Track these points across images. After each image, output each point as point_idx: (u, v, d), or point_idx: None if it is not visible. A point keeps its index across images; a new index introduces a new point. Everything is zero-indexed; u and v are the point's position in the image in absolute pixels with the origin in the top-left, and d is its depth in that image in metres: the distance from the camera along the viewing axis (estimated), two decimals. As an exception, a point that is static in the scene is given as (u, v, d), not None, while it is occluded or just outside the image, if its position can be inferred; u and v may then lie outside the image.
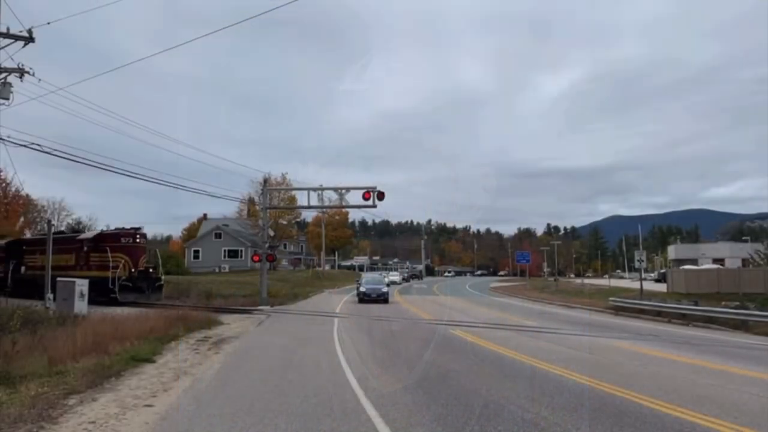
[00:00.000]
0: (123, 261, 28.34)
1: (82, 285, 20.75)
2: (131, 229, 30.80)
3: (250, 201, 51.71)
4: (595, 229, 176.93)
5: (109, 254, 27.98)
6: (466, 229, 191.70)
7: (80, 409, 7.17)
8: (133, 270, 28.57)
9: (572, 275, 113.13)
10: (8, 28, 18.92)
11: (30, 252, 33.84)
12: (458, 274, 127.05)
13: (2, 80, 18.24)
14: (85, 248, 29.55)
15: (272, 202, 39.20)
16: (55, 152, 20.35)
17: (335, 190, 34.96)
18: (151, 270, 29.84)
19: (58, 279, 22.58)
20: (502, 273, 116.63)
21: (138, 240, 30.29)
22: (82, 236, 31.98)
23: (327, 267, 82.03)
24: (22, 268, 33.26)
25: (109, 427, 6.39)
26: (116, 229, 32.68)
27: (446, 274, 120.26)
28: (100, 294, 26.12)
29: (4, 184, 49.75)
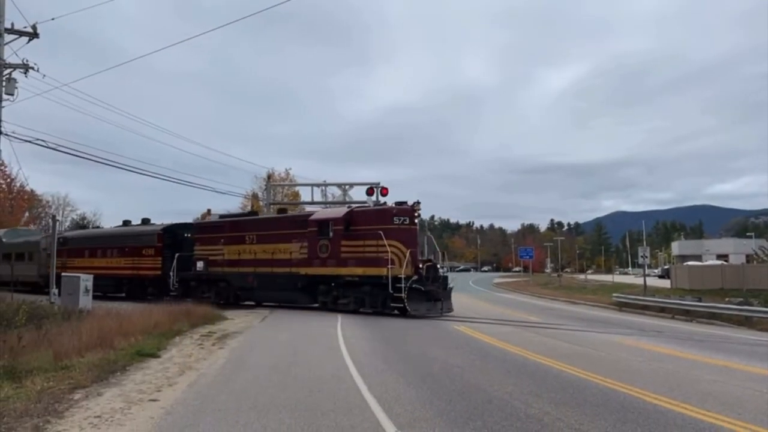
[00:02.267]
0: (399, 252, 20.52)
1: (86, 280, 20.81)
2: (404, 204, 21.92)
3: (254, 196, 51.80)
4: (598, 224, 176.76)
5: (384, 241, 20.38)
6: (469, 225, 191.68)
7: (86, 404, 7.22)
8: (420, 267, 20.90)
9: (568, 270, 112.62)
10: (13, 24, 18.99)
11: (209, 240, 27.28)
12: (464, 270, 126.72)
13: (7, 76, 18.30)
14: (331, 233, 22.20)
15: (276, 198, 39.29)
16: (59, 148, 20.44)
17: (339, 185, 35.08)
18: (439, 265, 22.20)
19: (62, 275, 22.27)
20: (516, 269, 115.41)
21: (415, 221, 21.80)
22: (324, 215, 23.58)
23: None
24: (199, 264, 27.17)
25: (114, 421, 6.44)
26: (377, 204, 25.08)
27: (458, 269, 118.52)
28: (374, 302, 20.91)
29: (9, 180, 49.99)
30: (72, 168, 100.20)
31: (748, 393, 8.09)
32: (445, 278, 22.17)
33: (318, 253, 22.63)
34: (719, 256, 65.27)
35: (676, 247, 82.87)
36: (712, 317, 22.70)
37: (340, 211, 23.32)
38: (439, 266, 22.13)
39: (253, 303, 27.39)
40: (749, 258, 57.72)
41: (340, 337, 14.45)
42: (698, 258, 64.91)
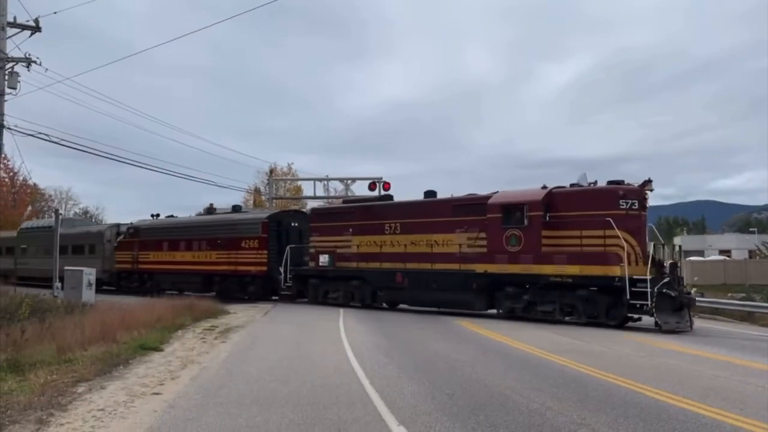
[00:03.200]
0: (631, 246, 16.13)
1: (89, 274, 20.85)
2: (625, 183, 17.11)
3: (256, 191, 51.83)
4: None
5: (617, 231, 15.94)
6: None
7: (89, 397, 7.25)
8: (664, 265, 16.54)
9: None
10: (15, 18, 18.98)
11: (332, 230, 22.84)
12: None
13: (9, 70, 18.29)
14: (526, 220, 17.38)
15: (278, 192, 39.33)
16: (62, 142, 20.46)
17: (341, 180, 35.13)
18: (678, 266, 16.99)
19: (65, 268, 22.24)
20: None
21: (645, 205, 17.01)
22: (513, 198, 18.20)
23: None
24: (323, 258, 22.73)
25: (117, 414, 6.46)
26: (589, 184, 17.67)
27: None
28: (592, 310, 16.64)
29: (11, 174, 50.03)
30: (75, 162, 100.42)
31: (750, 389, 8.09)
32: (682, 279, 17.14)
33: (505, 245, 17.76)
34: (722, 252, 65.19)
35: (679, 243, 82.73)
36: (714, 312, 22.70)
37: (536, 193, 17.91)
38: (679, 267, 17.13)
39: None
40: (752, 253, 57.64)
41: (342, 331, 14.47)
42: (701, 253, 64.81)
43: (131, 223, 33.46)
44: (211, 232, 28.42)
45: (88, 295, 20.00)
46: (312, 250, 23.36)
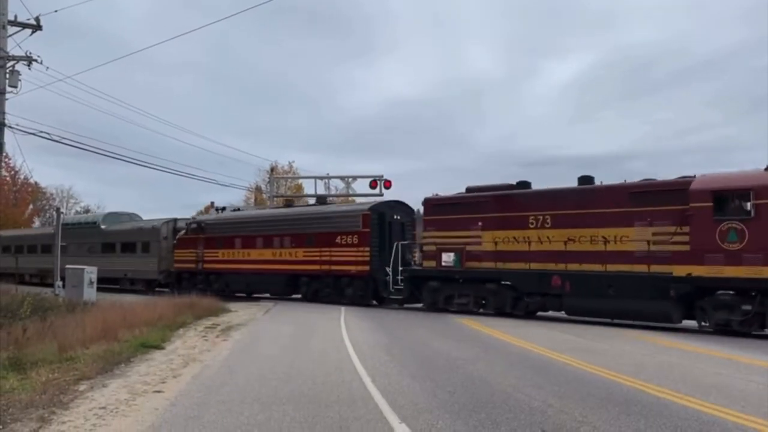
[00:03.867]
0: None
1: (91, 272, 20.88)
2: None
3: (257, 189, 51.85)
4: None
5: None
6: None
7: (91, 395, 7.25)
8: None
9: None
10: (16, 16, 18.99)
11: (453, 223, 19.66)
12: None
13: (10, 68, 18.31)
14: (751, 210, 14.13)
15: (279, 191, 39.29)
16: (63, 140, 20.48)
17: (342, 178, 35.08)
18: None
19: (67, 267, 22.23)
20: None
21: None
22: (728, 183, 14.82)
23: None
24: (446, 257, 19.52)
25: (119, 412, 6.46)
26: None
27: None
28: None
29: (13, 172, 50.09)
30: (75, 160, 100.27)
31: (752, 386, 8.08)
32: None
33: (719, 242, 14.34)
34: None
35: None
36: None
37: (758, 176, 14.52)
38: None
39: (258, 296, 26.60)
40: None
41: (343, 329, 14.48)
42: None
43: (193, 218, 30.63)
44: (297, 226, 25.11)
45: (90, 293, 20.03)
46: (428, 247, 20.14)
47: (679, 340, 13.50)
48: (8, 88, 18.15)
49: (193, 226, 29.22)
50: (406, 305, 21.62)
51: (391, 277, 20.86)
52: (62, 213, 31.16)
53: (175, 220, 31.77)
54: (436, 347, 11.72)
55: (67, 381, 7.86)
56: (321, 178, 36.06)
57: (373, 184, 32.27)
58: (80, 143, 22.72)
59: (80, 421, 6.09)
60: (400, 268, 20.67)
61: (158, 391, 7.53)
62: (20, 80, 18.35)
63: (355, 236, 22.77)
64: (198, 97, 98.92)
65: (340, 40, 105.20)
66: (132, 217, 37.00)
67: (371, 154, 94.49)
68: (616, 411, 6.41)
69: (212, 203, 37.97)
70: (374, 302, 23.03)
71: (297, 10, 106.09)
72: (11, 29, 18.77)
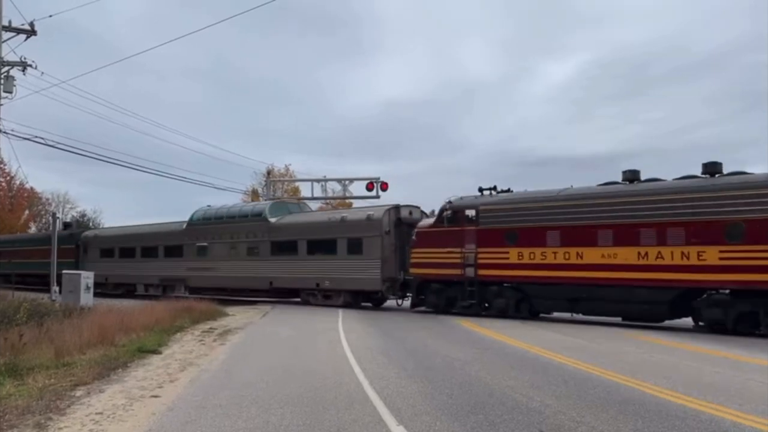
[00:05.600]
0: None
1: (87, 277, 20.82)
2: None
3: (254, 192, 51.79)
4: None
5: None
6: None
7: (87, 401, 7.23)
8: None
9: None
10: (10, 22, 18.96)
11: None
12: None
13: (5, 74, 18.29)
14: None
15: (276, 194, 39.33)
16: (58, 145, 20.46)
17: (339, 181, 35.06)
18: None
19: (64, 272, 22.02)
20: None
21: None
22: None
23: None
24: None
25: (116, 417, 6.44)
26: None
27: None
28: None
29: (8, 178, 50.02)
30: (71, 165, 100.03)
31: (750, 384, 8.10)
32: None
33: None
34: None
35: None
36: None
37: None
38: None
39: (253, 300, 25.75)
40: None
41: (341, 332, 14.46)
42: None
43: (449, 202, 20.16)
44: (699, 208, 15.39)
45: (86, 298, 19.97)
46: None
47: (677, 339, 13.52)
48: (3, 94, 18.13)
49: (448, 213, 19.91)
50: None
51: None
52: (58, 218, 30.67)
53: (398, 208, 22.93)
54: (434, 349, 11.68)
55: (63, 387, 7.83)
56: (318, 180, 36.06)
57: (369, 186, 32.29)
58: (75, 148, 22.69)
59: (77, 427, 6.06)
60: None
61: (155, 396, 7.50)
62: (15, 85, 18.33)
63: None
64: (193, 100, 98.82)
65: (336, 42, 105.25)
66: (302, 207, 29.49)
67: (368, 155, 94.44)
68: (614, 411, 6.41)
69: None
70: None
71: (291, 11, 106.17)
72: (6, 35, 18.74)
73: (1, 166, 46.38)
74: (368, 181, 32.52)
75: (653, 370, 9.19)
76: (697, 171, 16.14)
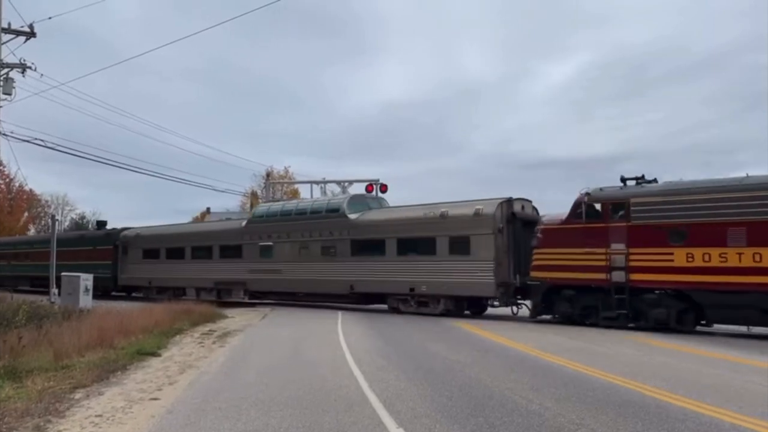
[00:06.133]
0: None
1: (86, 279, 20.79)
2: None
3: (253, 194, 51.79)
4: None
5: None
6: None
7: (87, 403, 7.22)
8: None
9: None
10: (10, 24, 18.97)
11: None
12: None
13: (4, 76, 18.29)
14: None
15: (275, 195, 39.32)
16: (57, 147, 20.45)
17: (338, 182, 35.11)
18: None
19: (63, 274, 22.01)
20: None
21: None
22: None
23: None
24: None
25: (115, 420, 6.43)
26: None
27: None
28: None
29: (7, 180, 50.02)
30: (70, 167, 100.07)
31: (749, 386, 8.09)
32: None
33: None
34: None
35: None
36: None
37: None
38: None
39: (255, 301, 25.82)
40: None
41: (340, 334, 14.45)
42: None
43: (587, 193, 16.82)
44: None
45: (85, 300, 19.95)
46: None
47: (677, 342, 13.51)
48: (2, 96, 18.13)
49: (587, 207, 16.67)
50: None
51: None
52: (57, 220, 30.60)
53: (510, 201, 19.55)
54: (433, 351, 11.67)
55: (62, 389, 7.82)
56: (317, 182, 36.11)
57: (369, 188, 32.27)
58: (75, 150, 22.68)
59: (76, 430, 6.06)
60: None
61: (154, 399, 7.49)
62: (14, 87, 18.33)
63: None
64: (192, 102, 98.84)
65: (335, 43, 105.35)
66: (381, 202, 25.78)
67: (367, 157, 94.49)
68: (614, 413, 6.41)
69: (208, 209, 37.95)
70: None
71: (290, 12, 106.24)
72: (5, 37, 18.74)
73: (1, 168, 46.39)
74: (368, 183, 32.51)
75: (653, 372, 9.18)
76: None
